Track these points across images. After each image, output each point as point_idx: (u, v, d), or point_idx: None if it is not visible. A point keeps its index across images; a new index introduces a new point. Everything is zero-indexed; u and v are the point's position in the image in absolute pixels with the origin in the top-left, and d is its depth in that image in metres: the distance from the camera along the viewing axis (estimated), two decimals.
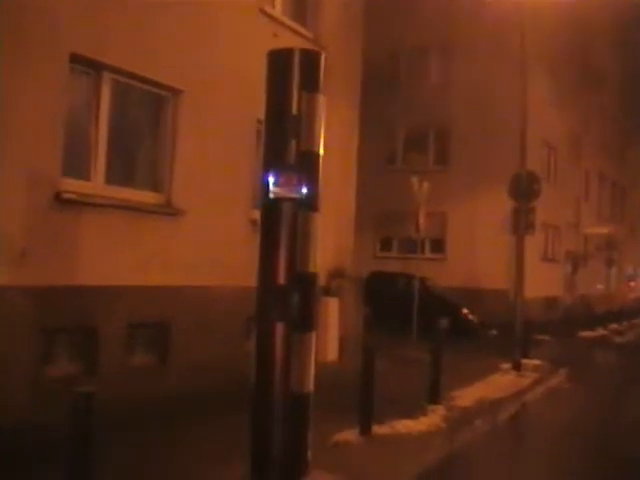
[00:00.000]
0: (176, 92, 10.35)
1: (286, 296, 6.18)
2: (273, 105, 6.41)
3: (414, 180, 18.59)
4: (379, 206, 26.22)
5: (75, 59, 8.69)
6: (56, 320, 8.50)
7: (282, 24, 12.45)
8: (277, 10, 12.57)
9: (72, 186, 8.70)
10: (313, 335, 6.32)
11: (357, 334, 14.37)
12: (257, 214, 11.84)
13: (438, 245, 27.47)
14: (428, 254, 26.07)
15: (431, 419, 9.17)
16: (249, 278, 11.29)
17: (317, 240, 6.37)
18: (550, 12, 21.42)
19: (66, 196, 8.47)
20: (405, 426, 8.63)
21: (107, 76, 9.30)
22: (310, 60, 6.39)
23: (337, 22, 13.98)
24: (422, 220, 18.78)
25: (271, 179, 6.25)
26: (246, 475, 6.19)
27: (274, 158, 6.33)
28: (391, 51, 27.48)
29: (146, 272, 9.72)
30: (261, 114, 11.69)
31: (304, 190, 6.23)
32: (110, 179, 9.39)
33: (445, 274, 25.00)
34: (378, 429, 8.27)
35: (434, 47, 27.99)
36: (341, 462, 6.94)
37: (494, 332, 22.03)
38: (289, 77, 6.30)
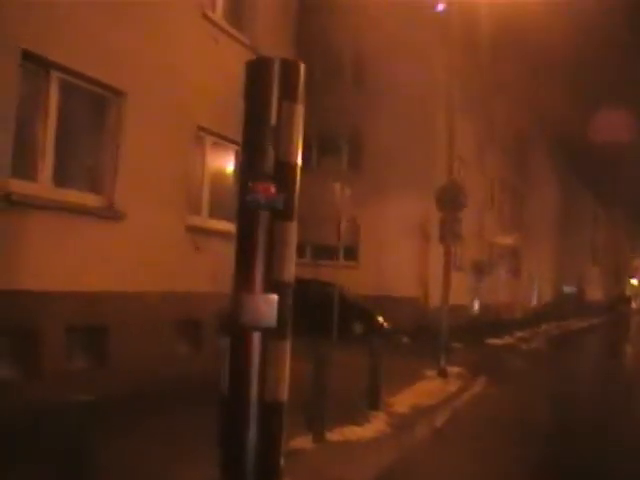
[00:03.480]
0: (120, 94, 10.21)
1: (264, 304, 6.20)
2: (251, 115, 6.40)
3: (336, 186, 18.80)
4: None
5: (26, 56, 8.48)
6: None
7: (222, 29, 12.47)
8: (217, 15, 12.54)
9: (20, 187, 8.50)
10: (288, 343, 6.36)
11: None
12: (193, 220, 11.95)
13: (351, 252, 27.63)
14: (342, 261, 26.30)
15: (376, 425, 9.33)
16: (182, 283, 11.37)
17: (293, 249, 6.41)
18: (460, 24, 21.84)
19: (15, 198, 8.26)
20: (354, 432, 8.76)
21: (55, 75, 9.11)
22: (289, 70, 6.42)
23: (272, 29, 14.03)
24: (344, 227, 19.00)
25: (249, 189, 6.27)
26: None
27: (252, 168, 6.33)
28: (305, 54, 27.46)
29: (86, 276, 9.55)
30: (200, 120, 11.79)
31: (281, 200, 6.28)
32: (57, 181, 9.21)
33: (357, 281, 25.21)
34: (329, 436, 8.36)
35: (349, 52, 28.23)
36: (302, 469, 6.96)
37: (406, 339, 22.42)
38: (268, 87, 6.31)
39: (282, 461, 6.34)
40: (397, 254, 26.25)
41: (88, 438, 4.86)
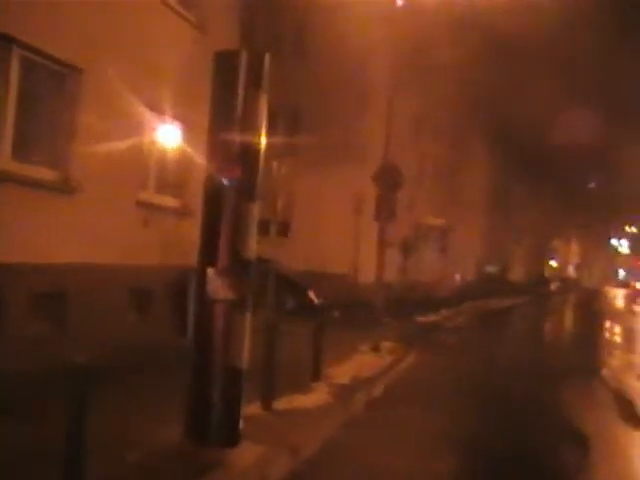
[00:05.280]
0: (78, 70, 10.45)
1: (228, 277, 6.69)
2: (219, 102, 6.85)
3: (274, 165, 19.25)
4: None
5: None
6: None
7: (171, 8, 12.75)
8: None
9: None
10: (249, 315, 6.86)
11: None
12: (144, 195, 12.30)
13: (283, 228, 28.00)
14: (274, 236, 26.70)
15: (319, 395, 9.90)
16: (133, 256, 11.71)
17: (254, 227, 6.92)
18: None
19: None
20: (299, 401, 9.30)
21: (16, 51, 9.34)
22: (255, 61, 6.88)
23: (219, 8, 14.37)
24: (280, 203, 19.49)
25: (214, 170, 6.75)
26: (182, 441, 6.69)
27: (219, 151, 6.80)
28: (248, 31, 27.58)
29: (44, 248, 9.83)
30: (152, 98, 12.06)
31: (245, 182, 6.77)
32: (16, 155, 9.46)
33: (289, 256, 25.60)
34: (276, 404, 8.84)
35: (290, 29, 28.43)
36: (256, 434, 7.41)
37: (336, 314, 22.95)
38: (235, 77, 6.77)
39: (241, 423, 6.88)
40: (329, 230, 26.74)
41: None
